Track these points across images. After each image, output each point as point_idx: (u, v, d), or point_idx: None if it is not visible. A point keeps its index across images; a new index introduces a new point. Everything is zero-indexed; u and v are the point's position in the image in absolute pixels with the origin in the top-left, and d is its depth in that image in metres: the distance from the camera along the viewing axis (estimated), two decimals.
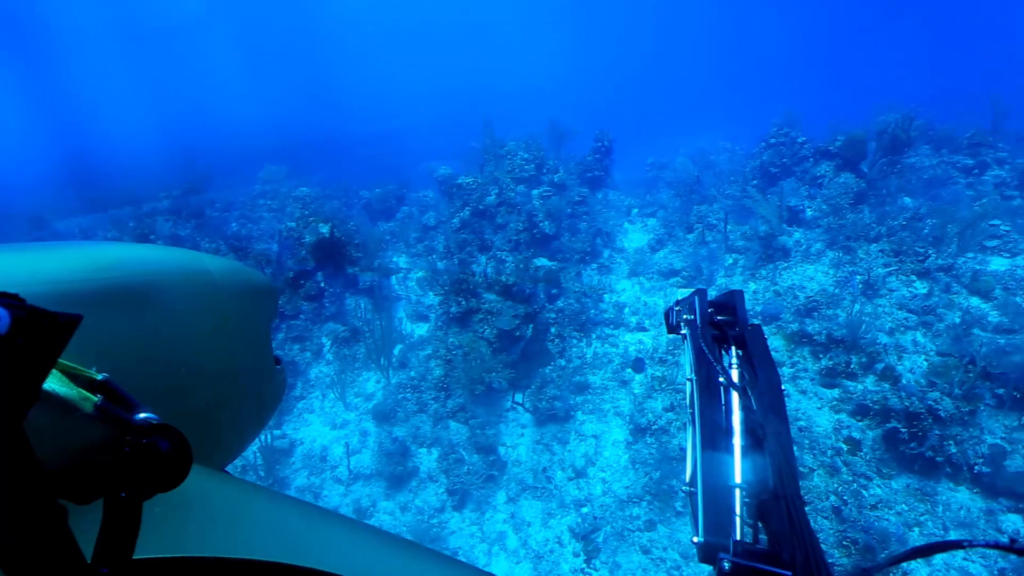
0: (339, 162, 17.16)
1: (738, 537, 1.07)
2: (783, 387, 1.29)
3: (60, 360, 0.63)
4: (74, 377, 0.66)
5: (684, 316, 1.62)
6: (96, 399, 0.65)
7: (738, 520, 1.09)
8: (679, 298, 1.72)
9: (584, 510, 6.44)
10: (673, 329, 1.73)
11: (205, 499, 0.90)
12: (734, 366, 1.40)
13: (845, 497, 5.63)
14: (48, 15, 39.79)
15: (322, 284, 9.09)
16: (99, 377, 0.69)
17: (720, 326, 1.53)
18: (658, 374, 7.39)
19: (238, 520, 0.93)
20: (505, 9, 57.74)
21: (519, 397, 7.57)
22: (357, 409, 7.97)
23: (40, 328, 0.49)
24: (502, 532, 6.44)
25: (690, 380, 1.41)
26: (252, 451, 7.29)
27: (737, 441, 1.20)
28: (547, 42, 56.36)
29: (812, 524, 5.15)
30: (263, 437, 7.34)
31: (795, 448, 5.29)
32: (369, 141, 22.83)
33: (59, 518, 0.54)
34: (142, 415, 0.68)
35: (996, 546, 0.93)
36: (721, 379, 1.33)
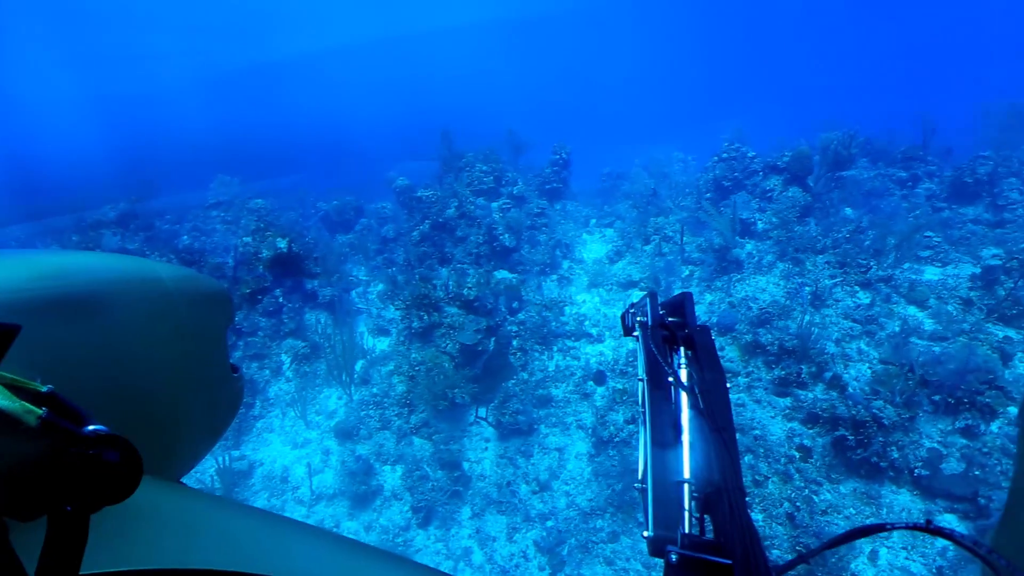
0: (294, 171, 16.81)
1: (687, 530, 1.10)
2: (728, 385, 1.35)
3: (0, 372, 0.63)
4: (16, 390, 0.64)
5: (637, 318, 1.65)
6: (40, 412, 0.63)
7: (686, 514, 1.13)
8: (634, 301, 1.75)
9: (549, 523, 6.51)
10: (629, 331, 1.76)
11: (157, 510, 0.89)
12: (683, 366, 1.43)
13: (798, 503, 5.88)
14: None
15: (280, 299, 8.89)
16: (44, 389, 0.67)
17: (670, 327, 1.57)
18: (619, 386, 7.53)
19: (190, 530, 0.91)
20: (458, 20, 57.66)
21: (483, 411, 7.59)
22: (319, 427, 7.83)
23: None
24: (468, 548, 6.45)
25: (641, 380, 1.44)
26: (209, 474, 7.07)
27: (686, 438, 1.23)
28: (500, 52, 56.61)
29: (765, 528, 5.33)
30: (221, 459, 7.13)
31: (750, 455, 5.48)
32: (325, 150, 22.43)
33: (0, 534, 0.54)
34: (91, 427, 0.66)
35: (915, 527, 1.01)
36: (670, 379, 1.37)
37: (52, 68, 44.48)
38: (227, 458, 7.22)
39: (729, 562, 0.97)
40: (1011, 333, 7.05)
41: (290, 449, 7.62)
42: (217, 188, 12.17)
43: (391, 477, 7.14)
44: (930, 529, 0.98)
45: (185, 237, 10.90)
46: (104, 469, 0.64)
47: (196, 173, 13.17)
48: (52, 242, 10.96)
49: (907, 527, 0.99)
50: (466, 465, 7.19)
